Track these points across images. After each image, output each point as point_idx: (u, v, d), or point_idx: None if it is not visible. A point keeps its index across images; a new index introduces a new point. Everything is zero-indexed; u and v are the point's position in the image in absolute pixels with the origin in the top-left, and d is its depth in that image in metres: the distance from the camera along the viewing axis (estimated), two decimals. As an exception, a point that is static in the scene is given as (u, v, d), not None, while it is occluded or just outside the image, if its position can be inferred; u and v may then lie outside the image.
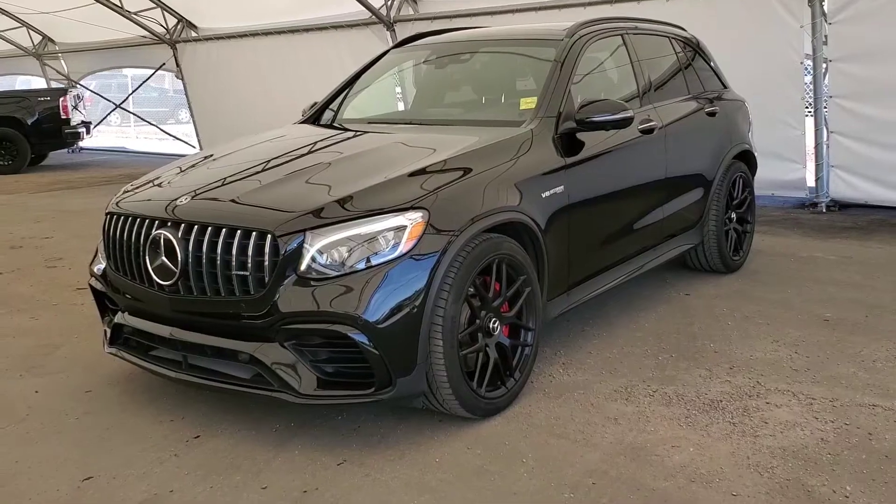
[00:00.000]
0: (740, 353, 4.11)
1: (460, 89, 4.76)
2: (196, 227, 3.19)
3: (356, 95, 4.83)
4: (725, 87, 5.88)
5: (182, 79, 14.28)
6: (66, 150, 15.91)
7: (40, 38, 16.87)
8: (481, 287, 3.37)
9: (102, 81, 21.88)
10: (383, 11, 10.67)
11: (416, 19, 10.56)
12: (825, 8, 7.49)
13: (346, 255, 3.06)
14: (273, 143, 4.20)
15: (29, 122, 13.72)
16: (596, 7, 8.73)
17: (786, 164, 7.99)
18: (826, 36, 7.57)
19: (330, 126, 4.63)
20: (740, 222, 5.75)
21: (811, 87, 7.90)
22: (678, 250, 5.13)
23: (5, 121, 13.63)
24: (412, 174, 3.34)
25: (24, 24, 16.33)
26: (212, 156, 4.08)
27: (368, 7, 10.50)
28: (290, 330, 3.07)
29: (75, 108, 14.40)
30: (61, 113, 13.80)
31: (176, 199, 3.37)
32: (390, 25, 10.65)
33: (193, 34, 13.86)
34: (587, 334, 4.46)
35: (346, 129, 4.38)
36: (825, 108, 7.75)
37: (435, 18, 10.34)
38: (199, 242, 3.17)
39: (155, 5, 13.38)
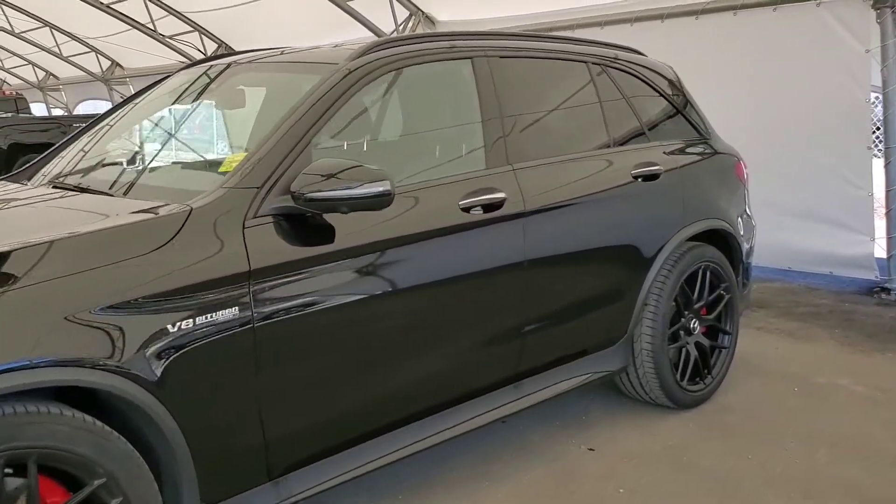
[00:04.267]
0: None
1: (171, 136, 3.20)
2: None
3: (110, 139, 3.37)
4: (702, 135, 4.06)
5: (220, 106, 13.41)
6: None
7: (109, 63, 16.64)
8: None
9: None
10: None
11: (428, 42, 9.09)
12: (901, 25, 5.45)
13: None
14: None
15: (64, 148, 13.22)
16: (615, 26, 6.96)
17: (847, 235, 5.95)
18: (902, 63, 5.54)
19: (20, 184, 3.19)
20: (711, 334, 3.91)
21: (881, 131, 5.84)
22: (579, 380, 3.40)
23: (42, 147, 13.17)
24: None
25: (93, 49, 16.10)
26: None
27: (374, 31, 9.14)
28: None
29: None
30: (97, 140, 13.21)
31: None
32: (401, 50, 9.22)
33: (232, 59, 12.99)
34: (368, 526, 2.82)
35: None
36: (901, 161, 5.70)
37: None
38: None
39: (193, 29, 12.62)
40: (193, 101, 3.19)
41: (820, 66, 5.79)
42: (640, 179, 3.51)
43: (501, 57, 3.20)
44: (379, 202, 2.38)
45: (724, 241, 3.97)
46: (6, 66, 19.52)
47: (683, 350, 3.77)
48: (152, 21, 12.41)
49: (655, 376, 3.61)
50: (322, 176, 2.33)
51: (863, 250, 5.91)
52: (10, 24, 15.56)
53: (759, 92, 6.07)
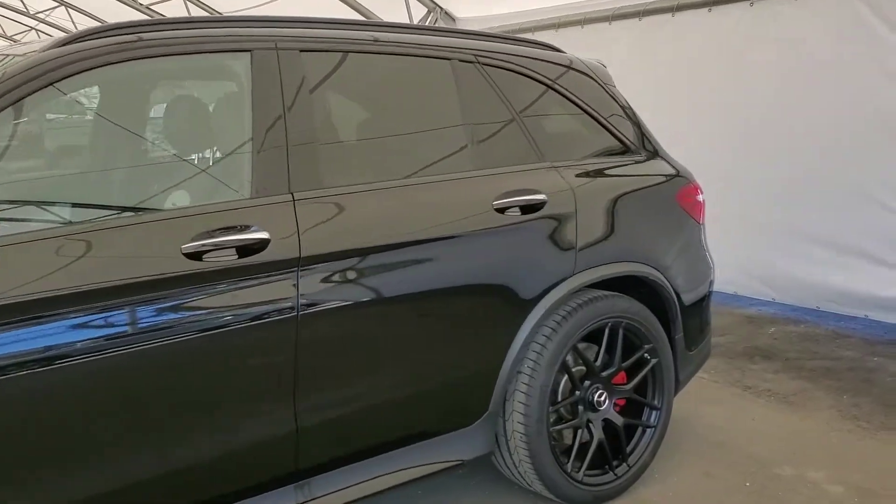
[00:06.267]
0: None
1: None
2: None
3: None
4: (631, 151, 3.19)
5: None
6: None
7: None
8: None
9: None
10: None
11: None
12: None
13: None
14: None
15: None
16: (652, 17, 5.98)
17: (885, 272, 4.88)
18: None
19: None
20: (631, 410, 3.04)
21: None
22: (412, 473, 2.60)
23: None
24: None
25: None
26: None
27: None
28: None
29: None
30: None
31: None
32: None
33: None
34: None
35: None
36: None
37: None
38: None
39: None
40: None
41: (848, 64, 4.74)
42: (507, 211, 2.68)
43: (302, 50, 2.45)
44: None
45: (651, 289, 3.08)
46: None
47: (583, 433, 2.91)
48: (193, 22, 12.10)
49: (532, 466, 2.77)
50: None
51: (901, 291, 4.83)
52: (75, 26, 15.72)
53: (773, 96, 5.07)
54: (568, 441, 2.94)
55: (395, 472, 2.54)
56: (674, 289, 3.11)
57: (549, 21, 6.64)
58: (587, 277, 2.83)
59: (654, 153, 3.30)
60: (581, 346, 2.92)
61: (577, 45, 6.25)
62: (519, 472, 2.85)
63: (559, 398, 2.87)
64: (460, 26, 8.51)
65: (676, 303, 3.12)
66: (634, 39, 5.85)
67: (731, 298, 5.86)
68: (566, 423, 2.89)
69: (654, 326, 3.03)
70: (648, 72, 5.75)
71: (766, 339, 5.01)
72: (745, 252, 5.56)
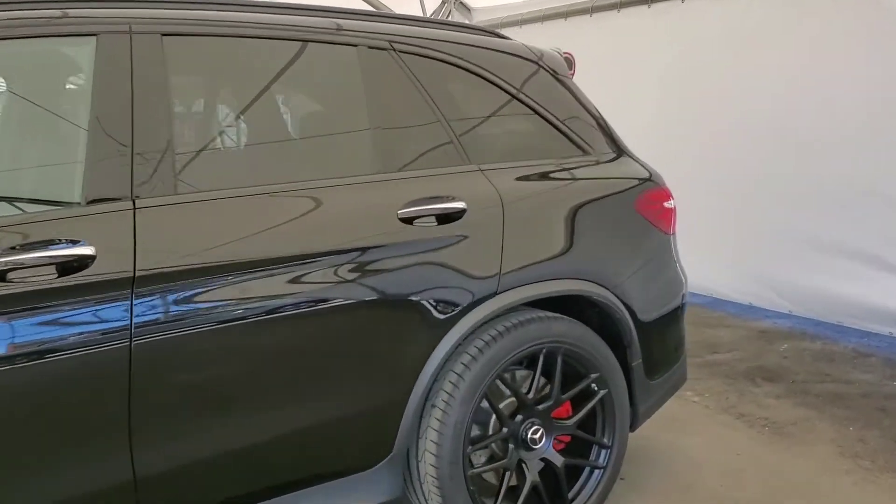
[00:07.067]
0: None
1: None
2: None
3: None
4: (584, 151, 2.78)
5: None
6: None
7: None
8: None
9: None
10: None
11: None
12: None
13: None
14: None
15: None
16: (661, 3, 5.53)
17: (910, 284, 4.36)
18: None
19: None
20: (574, 449, 2.65)
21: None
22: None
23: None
24: None
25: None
26: None
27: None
28: None
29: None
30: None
31: None
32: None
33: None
34: None
35: None
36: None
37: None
38: None
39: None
40: None
41: (868, 58, 4.23)
42: (415, 221, 2.31)
43: (165, 34, 2.11)
44: None
45: (601, 310, 2.68)
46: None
47: (509, 473, 2.53)
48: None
49: (445, 515, 2.40)
50: None
51: (931, 306, 4.31)
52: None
53: (792, 92, 4.58)
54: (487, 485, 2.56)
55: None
56: (629, 309, 2.70)
57: (559, 10, 6.22)
58: (514, 297, 2.44)
59: (618, 154, 2.89)
60: (521, 374, 2.55)
61: (585, 35, 5.86)
62: (434, 522, 2.48)
63: (490, 433, 2.50)
64: (475, 16, 8.13)
65: (632, 326, 2.71)
66: (643, 27, 5.41)
67: (747, 310, 5.38)
68: (496, 462, 2.51)
69: (600, 353, 2.62)
70: (655, 63, 5.30)
71: (776, 357, 4.54)
72: (760, 261, 5.10)
